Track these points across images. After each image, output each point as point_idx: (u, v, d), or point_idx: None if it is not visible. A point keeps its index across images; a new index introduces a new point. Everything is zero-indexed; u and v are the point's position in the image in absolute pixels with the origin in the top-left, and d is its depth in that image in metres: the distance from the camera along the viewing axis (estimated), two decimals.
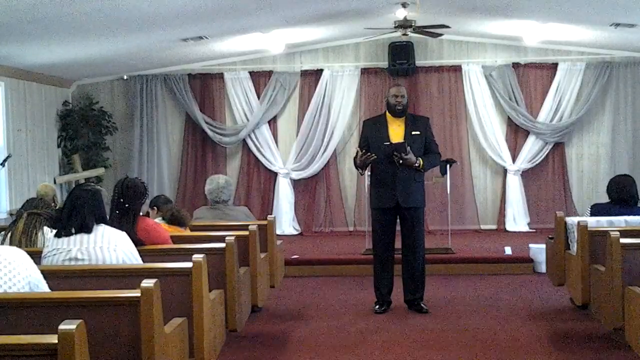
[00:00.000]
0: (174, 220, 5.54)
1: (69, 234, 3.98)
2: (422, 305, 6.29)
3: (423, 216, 6.43)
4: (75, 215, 3.97)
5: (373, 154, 6.10)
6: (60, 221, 4.06)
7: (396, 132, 6.25)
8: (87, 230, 3.97)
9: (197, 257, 3.96)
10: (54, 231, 4.10)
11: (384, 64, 11.05)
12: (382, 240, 6.31)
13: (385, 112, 6.38)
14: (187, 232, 5.56)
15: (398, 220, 6.33)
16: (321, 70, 11.20)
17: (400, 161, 6.08)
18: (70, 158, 10.74)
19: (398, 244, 6.38)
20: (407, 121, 6.30)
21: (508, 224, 11.04)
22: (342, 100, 11.15)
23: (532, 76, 11.10)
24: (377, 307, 6.33)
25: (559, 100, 10.97)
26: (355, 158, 6.38)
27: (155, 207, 6.09)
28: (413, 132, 6.24)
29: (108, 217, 4.23)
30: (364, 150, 6.13)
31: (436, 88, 11.18)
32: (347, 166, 11.08)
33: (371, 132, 6.32)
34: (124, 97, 11.45)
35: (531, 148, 11.04)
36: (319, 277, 8.16)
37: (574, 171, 11.15)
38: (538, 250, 7.98)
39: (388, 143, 6.13)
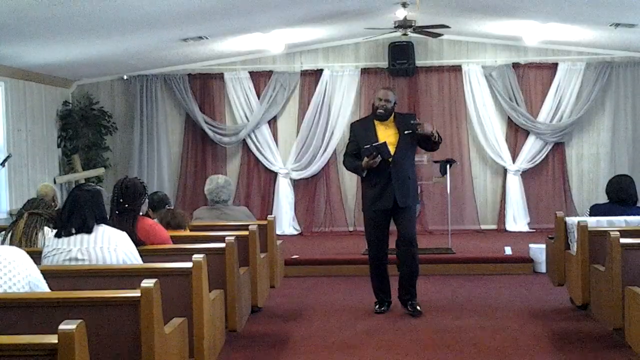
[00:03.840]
0: (169, 227, 5.32)
1: (69, 234, 3.98)
2: (415, 305, 6.17)
3: (416, 211, 6.41)
4: (75, 216, 3.97)
5: (379, 156, 6.00)
6: (60, 221, 4.06)
7: (384, 133, 6.15)
8: (88, 230, 3.97)
9: (197, 257, 3.96)
10: (54, 231, 4.10)
11: (384, 64, 11.04)
12: (377, 242, 6.26)
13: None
14: (186, 232, 5.54)
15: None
16: (321, 70, 11.20)
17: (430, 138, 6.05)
18: (70, 158, 10.74)
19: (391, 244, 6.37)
20: (396, 122, 6.23)
21: (508, 224, 11.04)
22: (342, 100, 11.15)
23: (532, 76, 11.10)
24: (377, 307, 6.31)
25: (559, 100, 10.97)
26: (345, 162, 6.36)
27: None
28: (405, 132, 6.16)
29: (108, 217, 4.23)
30: (374, 153, 5.97)
31: (436, 88, 11.17)
32: None
33: (360, 134, 6.24)
34: (124, 97, 11.45)
35: (531, 148, 11.04)
36: (319, 277, 8.15)
37: (574, 171, 11.15)
38: (538, 250, 7.98)
39: (369, 145, 6.02)
